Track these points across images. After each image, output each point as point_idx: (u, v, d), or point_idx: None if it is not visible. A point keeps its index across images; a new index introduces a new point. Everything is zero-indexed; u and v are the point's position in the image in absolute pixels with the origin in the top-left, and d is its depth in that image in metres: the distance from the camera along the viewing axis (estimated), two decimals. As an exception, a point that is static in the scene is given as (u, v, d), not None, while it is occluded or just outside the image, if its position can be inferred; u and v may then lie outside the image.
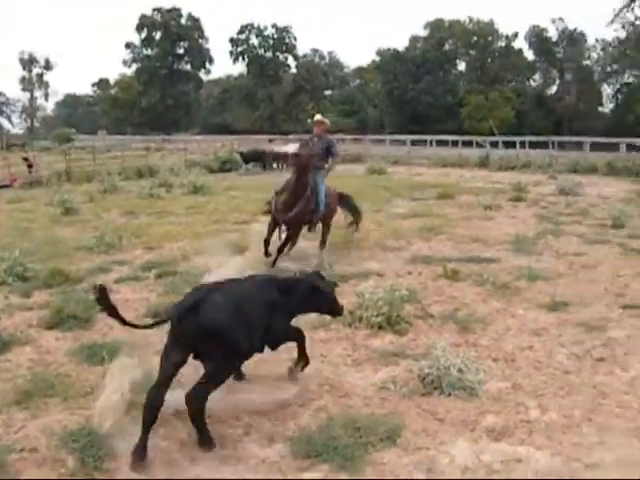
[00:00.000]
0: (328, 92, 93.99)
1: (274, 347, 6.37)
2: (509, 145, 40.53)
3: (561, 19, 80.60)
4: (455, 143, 43.68)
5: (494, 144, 41.29)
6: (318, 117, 12.56)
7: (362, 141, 51.26)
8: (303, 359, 6.64)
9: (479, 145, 41.64)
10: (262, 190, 23.83)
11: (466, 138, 44.99)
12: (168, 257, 12.61)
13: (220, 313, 5.51)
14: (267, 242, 11.70)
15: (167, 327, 5.59)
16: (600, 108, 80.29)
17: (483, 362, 7.13)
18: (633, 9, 62.69)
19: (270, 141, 50.93)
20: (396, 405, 6.19)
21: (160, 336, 7.92)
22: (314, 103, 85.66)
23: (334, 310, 6.85)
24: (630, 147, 34.86)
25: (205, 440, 5.48)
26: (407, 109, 79.39)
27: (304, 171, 11.32)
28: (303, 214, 11.53)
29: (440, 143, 45.45)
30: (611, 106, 79.42)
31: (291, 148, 37.34)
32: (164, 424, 5.68)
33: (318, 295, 6.56)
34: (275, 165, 35.36)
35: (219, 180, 28.53)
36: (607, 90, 79.05)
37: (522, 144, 38.98)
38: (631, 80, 72.41)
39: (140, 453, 5.21)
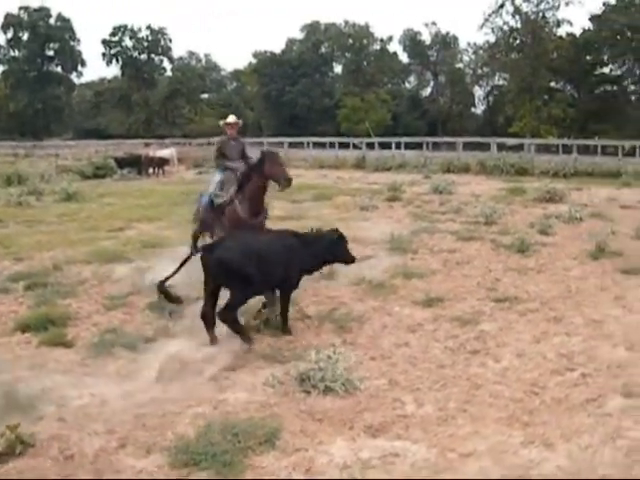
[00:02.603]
0: (205, 95, 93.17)
1: (283, 295, 8.32)
2: (385, 146, 41.07)
3: (434, 23, 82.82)
4: (332, 145, 43.97)
5: (370, 145, 41.82)
6: (232, 118, 11.71)
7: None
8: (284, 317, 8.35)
9: (356, 147, 42.06)
10: (138, 196, 23.55)
11: (343, 140, 45.33)
12: (38, 267, 12.07)
13: (228, 253, 7.80)
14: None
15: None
16: (472, 109, 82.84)
17: (361, 360, 7.21)
18: (502, 14, 64.83)
19: (146, 145, 50.11)
20: (275, 408, 6.16)
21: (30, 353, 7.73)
22: (190, 106, 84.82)
23: (349, 259, 8.75)
24: (500, 147, 35.98)
25: (245, 339, 7.77)
26: (284, 111, 79.66)
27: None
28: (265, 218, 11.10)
29: (317, 145, 45.66)
30: (482, 107, 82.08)
31: (167, 153, 37.05)
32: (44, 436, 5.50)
33: (340, 245, 8.59)
34: (151, 170, 34.78)
35: (93, 186, 27.77)
36: (479, 92, 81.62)
37: (397, 145, 39.55)
38: (501, 82, 74.86)
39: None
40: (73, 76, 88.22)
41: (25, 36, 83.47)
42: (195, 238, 11.50)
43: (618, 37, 60.47)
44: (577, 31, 66.20)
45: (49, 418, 6.10)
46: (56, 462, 5.34)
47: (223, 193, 10.74)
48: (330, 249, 8.52)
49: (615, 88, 65.62)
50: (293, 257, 8.21)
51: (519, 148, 35.32)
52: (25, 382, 6.90)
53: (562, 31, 65.36)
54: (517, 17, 64.44)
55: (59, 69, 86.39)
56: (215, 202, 10.80)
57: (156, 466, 5.27)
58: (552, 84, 66.52)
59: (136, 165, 34.66)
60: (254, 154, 10.79)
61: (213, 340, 7.94)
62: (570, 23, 64.71)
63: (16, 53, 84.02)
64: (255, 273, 7.74)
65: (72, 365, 7.50)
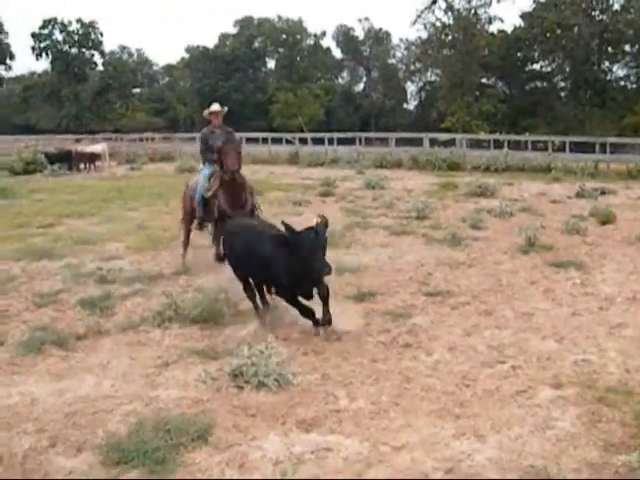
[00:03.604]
0: (137, 90, 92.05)
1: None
2: (318, 141, 41.16)
3: (367, 19, 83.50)
4: (265, 140, 43.84)
5: (303, 141, 41.92)
6: (215, 107, 11.69)
7: (172, 139, 50.66)
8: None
9: (289, 142, 42.08)
10: (69, 192, 23.17)
11: (276, 135, 45.30)
12: (-34, 264, 11.89)
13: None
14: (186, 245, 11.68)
15: None
16: (405, 105, 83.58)
17: (293, 355, 7.22)
18: (434, 11, 65.55)
19: (77, 141, 49.33)
20: (207, 404, 6.13)
21: None
22: (122, 101, 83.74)
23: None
24: (433, 142, 36.34)
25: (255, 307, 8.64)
26: (218, 107, 79.08)
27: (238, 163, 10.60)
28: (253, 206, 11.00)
29: (250, 140, 45.38)
30: (415, 103, 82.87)
31: (98, 148, 36.55)
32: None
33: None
34: (82, 166, 34.25)
35: (23, 182, 27.29)
36: (411, 87, 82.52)
37: (330, 140, 39.65)
38: (433, 78, 75.80)
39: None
40: (1, 70, 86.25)
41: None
42: (188, 233, 11.69)
43: (548, 34, 61.68)
44: (508, 28, 67.83)
45: (-23, 418, 5.98)
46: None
47: (211, 185, 10.86)
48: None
49: (545, 84, 67.03)
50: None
51: (451, 143, 35.66)
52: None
53: (494, 28, 66.80)
54: (449, 14, 65.35)
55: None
56: (205, 196, 10.95)
57: (87, 465, 5.20)
58: (484, 80, 67.70)
59: (67, 160, 34.06)
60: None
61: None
62: (501, 20, 66.17)
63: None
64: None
65: (1, 363, 7.36)
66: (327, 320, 7.95)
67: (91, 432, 5.68)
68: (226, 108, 11.96)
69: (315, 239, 7.69)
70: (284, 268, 7.80)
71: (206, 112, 11.73)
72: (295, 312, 8.12)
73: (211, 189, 10.82)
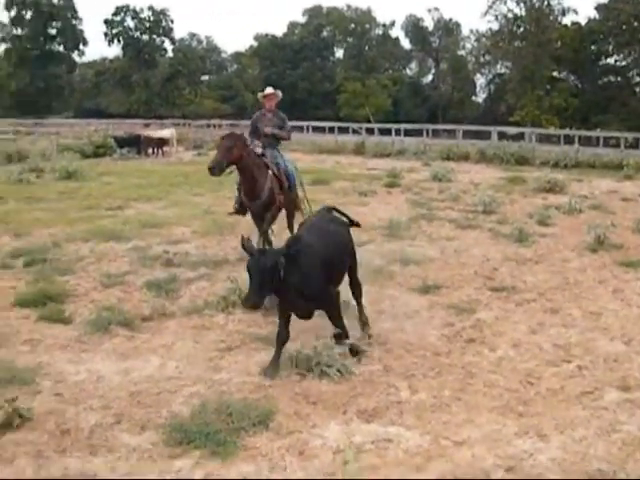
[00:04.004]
0: (205, 77, 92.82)
1: None
2: (384, 132, 40.92)
3: (437, 9, 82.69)
4: (332, 129, 43.74)
5: (370, 131, 41.68)
6: (269, 90, 11.55)
7: (238, 126, 50.92)
8: None
9: (355, 132, 41.90)
10: (137, 176, 23.51)
11: (342, 125, 45.13)
12: (38, 244, 12.14)
13: None
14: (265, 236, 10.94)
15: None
16: (473, 97, 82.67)
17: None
18: (506, 2, 64.55)
19: (146, 126, 49.96)
20: (269, 390, 6.18)
21: (28, 328, 7.78)
22: (191, 88, 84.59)
23: None
24: (501, 135, 35.79)
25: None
26: (285, 95, 78.81)
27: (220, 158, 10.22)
28: (276, 193, 10.75)
29: (317, 129, 45.52)
30: (484, 96, 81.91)
31: (167, 133, 36.95)
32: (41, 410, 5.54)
33: None
34: (150, 150, 34.71)
35: (93, 165, 27.71)
36: (480, 80, 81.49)
37: (397, 131, 39.35)
38: (503, 71, 74.66)
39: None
40: (75, 55, 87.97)
41: (28, 14, 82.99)
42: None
43: (624, 27, 60.02)
44: (582, 20, 66.07)
45: (46, 393, 6.18)
46: (52, 436, 5.39)
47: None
48: None
49: (619, 79, 65.18)
50: None
51: (520, 137, 35.08)
52: (23, 357, 6.96)
53: (567, 20, 65.24)
54: (521, 5, 64.22)
55: (61, 48, 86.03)
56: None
57: (150, 443, 5.30)
58: (555, 73, 66.28)
59: (135, 145, 34.55)
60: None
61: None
62: (575, 12, 64.87)
63: (19, 31, 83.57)
64: None
65: (69, 341, 7.54)
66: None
67: (155, 412, 5.80)
68: (280, 92, 11.77)
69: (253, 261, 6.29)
70: None
71: (260, 95, 11.68)
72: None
73: (238, 180, 10.87)
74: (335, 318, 6.90)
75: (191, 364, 6.86)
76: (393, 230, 13.34)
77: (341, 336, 6.88)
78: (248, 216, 11.04)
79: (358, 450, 5.14)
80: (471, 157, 31.51)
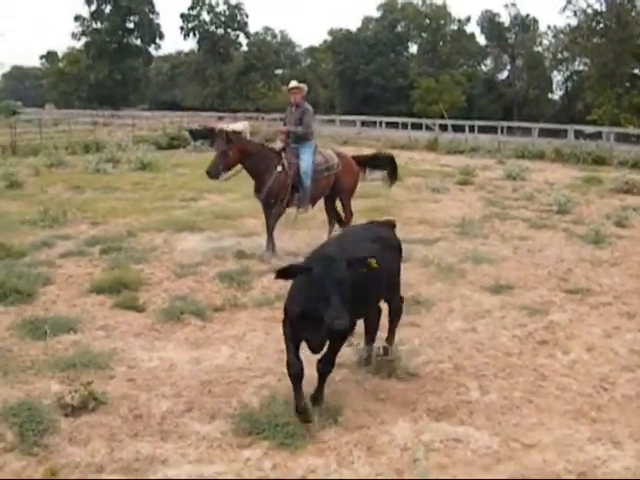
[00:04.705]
0: (279, 71, 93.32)
1: None
2: (458, 129, 40.57)
3: (514, 4, 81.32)
4: (405, 125, 43.62)
5: (443, 127, 41.39)
6: (293, 83, 11.47)
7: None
8: None
9: (428, 128, 41.68)
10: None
11: (416, 120, 44.96)
12: (113, 233, 12.50)
13: None
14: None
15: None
16: (550, 95, 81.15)
17: (426, 343, 7.18)
18: (585, -3, 63.19)
19: (220, 119, 50.52)
20: (339, 384, 6.19)
21: (104, 314, 7.96)
22: (265, 82, 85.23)
23: None
24: (578, 134, 35.13)
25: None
26: (358, 90, 79.38)
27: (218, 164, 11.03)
28: (279, 190, 11.03)
29: (390, 125, 45.43)
30: (560, 93, 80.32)
31: (240, 126, 37.27)
32: (115, 395, 5.66)
33: None
34: (225, 143, 35.02)
35: (167, 157, 28.18)
36: (557, 77, 79.85)
37: (471, 128, 39.00)
38: (581, 68, 73.03)
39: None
40: (151, 49, 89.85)
41: (107, 9, 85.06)
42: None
43: None
44: (667, 16, 64.14)
45: (120, 378, 6.35)
46: (125, 420, 5.54)
47: None
48: None
49: None
50: None
51: (597, 136, 34.35)
52: (99, 342, 7.13)
53: (650, 16, 63.40)
54: (601, 0, 62.77)
55: (138, 41, 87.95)
56: None
57: (220, 432, 5.39)
58: (636, 71, 64.57)
59: (209, 137, 34.95)
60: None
61: None
62: (659, 8, 62.70)
63: (99, 25, 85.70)
64: None
65: (143, 329, 7.71)
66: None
67: (225, 401, 5.88)
68: (305, 86, 11.61)
69: (323, 273, 5.05)
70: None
71: (284, 88, 11.73)
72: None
73: None
74: (333, 352, 5.62)
75: (261, 355, 6.92)
76: (465, 228, 13.21)
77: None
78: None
79: (427, 449, 5.10)
80: (546, 156, 30.95)
